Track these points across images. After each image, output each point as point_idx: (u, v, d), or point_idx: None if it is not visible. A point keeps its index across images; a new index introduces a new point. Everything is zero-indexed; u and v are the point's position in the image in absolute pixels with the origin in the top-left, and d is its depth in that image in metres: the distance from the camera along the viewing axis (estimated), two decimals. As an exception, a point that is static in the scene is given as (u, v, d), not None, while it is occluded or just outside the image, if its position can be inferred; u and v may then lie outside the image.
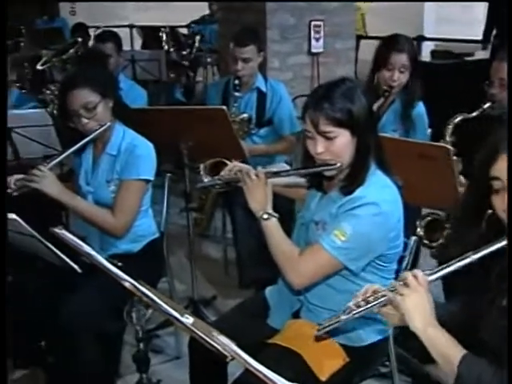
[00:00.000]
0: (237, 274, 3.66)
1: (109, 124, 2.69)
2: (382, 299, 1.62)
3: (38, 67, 5.00)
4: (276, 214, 2.15)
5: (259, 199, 2.15)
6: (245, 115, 3.76)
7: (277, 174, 2.27)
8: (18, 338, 2.67)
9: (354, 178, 2.08)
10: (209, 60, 8.25)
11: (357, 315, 1.67)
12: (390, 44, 3.23)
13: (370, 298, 1.65)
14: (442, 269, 1.59)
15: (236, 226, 3.65)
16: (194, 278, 3.49)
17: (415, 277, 1.58)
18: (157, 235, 2.94)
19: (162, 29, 7.68)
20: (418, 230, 2.74)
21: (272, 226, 2.13)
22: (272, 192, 2.19)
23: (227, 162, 3.51)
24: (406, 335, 2.59)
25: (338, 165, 2.05)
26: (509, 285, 1.54)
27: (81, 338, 2.45)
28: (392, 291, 1.60)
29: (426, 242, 2.76)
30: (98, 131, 2.66)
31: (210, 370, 2.28)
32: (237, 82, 3.72)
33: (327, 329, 1.75)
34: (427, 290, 1.57)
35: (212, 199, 4.16)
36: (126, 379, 2.94)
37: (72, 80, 2.75)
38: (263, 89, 3.84)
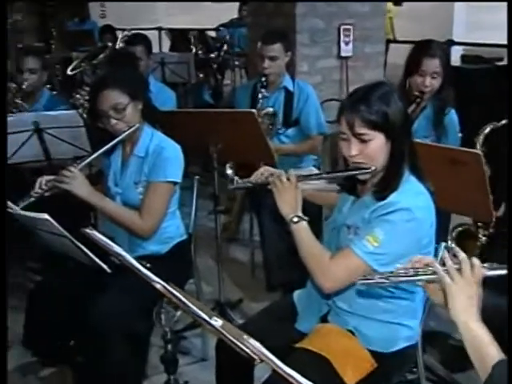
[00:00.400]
0: (263, 277, 3.67)
1: (137, 125, 2.71)
2: (431, 276, 1.59)
3: (69, 72, 5.05)
4: (306, 218, 2.14)
5: (289, 202, 2.15)
6: (270, 109, 3.78)
7: (308, 177, 2.26)
8: (46, 337, 2.70)
9: (387, 182, 2.07)
10: (237, 63, 8.28)
11: (403, 279, 1.64)
12: (422, 49, 3.21)
13: (420, 270, 1.62)
14: (501, 268, 1.54)
15: (263, 229, 3.66)
16: (221, 280, 3.50)
17: (472, 266, 1.54)
18: (185, 237, 2.95)
19: (191, 32, 7.72)
20: (449, 242, 2.72)
21: (302, 230, 2.13)
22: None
23: (254, 163, 3.57)
24: (434, 343, 2.58)
25: (372, 168, 2.05)
26: (509, 284, 1.54)
27: (110, 338, 2.46)
28: (444, 271, 1.56)
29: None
30: (126, 132, 2.68)
31: (237, 372, 2.28)
32: (264, 79, 3.75)
33: (368, 281, 1.71)
34: (479, 284, 1.53)
35: (240, 202, 4.17)
36: (153, 380, 2.96)
37: (102, 81, 2.79)
38: (290, 88, 3.86)
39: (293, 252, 3.37)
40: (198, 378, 2.97)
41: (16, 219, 2.40)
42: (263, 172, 2.27)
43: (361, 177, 2.11)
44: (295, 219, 2.13)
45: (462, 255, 1.57)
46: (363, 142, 2.03)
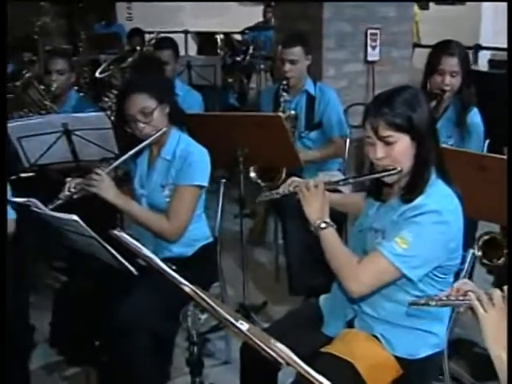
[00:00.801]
0: (287, 281, 3.67)
1: (165, 129, 2.72)
2: (468, 302, 1.63)
3: (97, 75, 5.09)
4: (333, 223, 2.14)
5: (317, 209, 2.15)
6: (292, 112, 3.78)
7: (335, 183, 2.27)
8: (72, 337, 2.73)
9: (414, 186, 2.07)
10: (262, 66, 8.28)
11: (445, 303, 1.72)
12: (441, 48, 3.23)
13: (460, 297, 1.67)
14: None
15: (286, 234, 3.66)
16: (246, 283, 3.51)
17: (504, 298, 1.57)
18: (210, 240, 2.95)
19: (217, 35, 7.74)
20: (476, 251, 2.70)
21: (330, 235, 2.13)
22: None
23: (278, 167, 3.58)
24: (460, 351, 2.56)
25: (398, 169, 2.05)
26: (509, 284, 1.54)
27: (134, 339, 2.47)
28: (479, 301, 1.60)
29: (485, 261, 2.72)
30: (154, 136, 2.70)
31: (261, 376, 2.29)
32: (285, 82, 3.76)
33: (417, 307, 1.81)
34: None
35: (265, 206, 4.18)
36: (176, 382, 2.98)
37: (129, 85, 2.81)
38: (312, 92, 3.86)
39: (316, 257, 3.38)
40: (222, 380, 2.98)
41: (44, 219, 2.42)
42: (290, 183, 2.29)
43: (387, 179, 2.11)
44: (323, 225, 2.13)
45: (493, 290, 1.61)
46: (388, 144, 2.04)
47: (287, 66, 3.75)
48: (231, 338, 3.20)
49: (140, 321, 2.46)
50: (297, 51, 3.76)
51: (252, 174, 3.51)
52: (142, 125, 2.68)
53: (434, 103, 3.12)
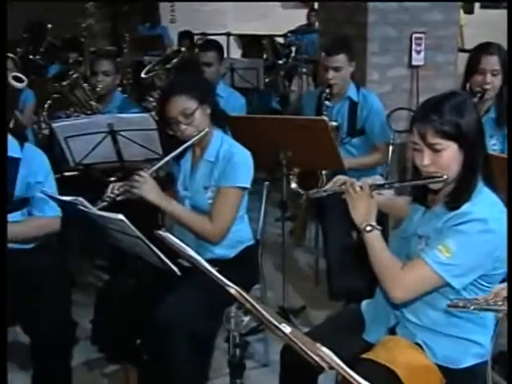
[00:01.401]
0: (327, 285, 3.65)
1: (207, 130, 2.73)
2: (503, 308, 1.64)
3: (142, 75, 5.15)
4: (379, 227, 2.13)
5: (362, 211, 2.14)
6: (333, 123, 3.75)
7: (381, 186, 2.25)
8: (114, 336, 2.75)
9: (460, 193, 2.04)
10: (304, 70, 8.27)
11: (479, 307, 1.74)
12: (481, 49, 3.23)
13: (499, 302, 1.68)
14: None
15: (327, 238, 3.65)
16: (285, 287, 3.50)
17: None
18: (252, 242, 2.96)
19: (263, 39, 7.76)
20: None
21: (375, 239, 2.11)
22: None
23: (319, 171, 3.57)
24: (504, 361, 2.52)
25: (445, 177, 2.02)
26: (509, 283, 1.48)
27: (175, 338, 2.48)
28: None
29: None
30: (196, 137, 2.71)
31: (301, 379, 2.28)
32: (328, 91, 3.74)
33: (456, 309, 1.82)
34: None
35: (304, 208, 4.16)
36: (214, 383, 2.98)
37: (170, 88, 2.84)
38: (355, 98, 3.84)
39: (356, 261, 3.36)
40: (261, 382, 2.99)
41: (89, 218, 2.45)
42: (336, 181, 2.27)
43: (433, 186, 2.09)
44: (368, 228, 2.11)
45: None
46: (436, 151, 2.02)
47: (331, 74, 3.73)
48: (270, 341, 3.20)
49: (181, 321, 2.47)
50: (340, 58, 3.74)
51: (293, 185, 3.50)
52: (183, 126, 2.70)
53: (475, 99, 3.09)
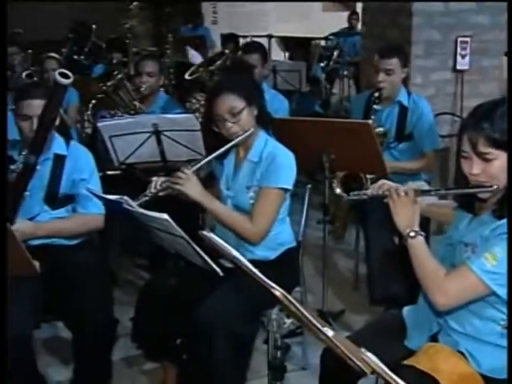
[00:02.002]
0: (366, 290, 3.63)
1: (252, 130, 2.73)
2: None
3: (186, 77, 5.19)
4: (423, 233, 2.10)
5: (406, 217, 2.11)
6: (380, 129, 3.72)
7: (426, 192, 2.22)
8: (154, 334, 2.77)
9: (508, 201, 2.00)
10: (345, 73, 8.24)
11: None
12: None
13: None
14: None
15: (369, 243, 3.62)
16: (325, 290, 3.49)
17: None
18: (294, 244, 2.95)
19: (312, 42, 7.76)
20: None
21: (418, 245, 2.09)
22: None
23: (362, 176, 3.54)
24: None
25: (494, 187, 1.99)
26: (509, 282, 1.45)
27: (215, 338, 2.48)
28: None
29: None
30: (241, 136, 2.72)
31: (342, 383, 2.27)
32: (377, 94, 3.71)
33: None
34: None
35: (345, 209, 4.13)
36: (252, 384, 2.99)
37: (220, 86, 2.85)
38: (405, 103, 3.79)
39: (397, 266, 3.32)
40: (299, 386, 2.98)
41: (132, 216, 2.47)
42: (381, 185, 2.24)
43: (481, 195, 2.06)
44: (412, 234, 2.09)
45: None
46: (486, 160, 1.98)
47: (381, 76, 3.70)
48: (309, 344, 3.19)
49: (221, 322, 2.47)
50: (393, 62, 3.70)
51: (338, 191, 3.49)
52: (229, 124, 2.71)
53: None
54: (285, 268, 2.81)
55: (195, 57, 6.66)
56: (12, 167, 2.74)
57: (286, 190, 2.77)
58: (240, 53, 4.96)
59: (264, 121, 2.86)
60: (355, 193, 2.36)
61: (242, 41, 6.90)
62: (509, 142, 1.64)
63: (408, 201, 2.12)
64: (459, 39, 4.97)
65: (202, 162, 2.77)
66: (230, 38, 7.23)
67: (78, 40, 7.85)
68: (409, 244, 2.10)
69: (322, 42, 8.73)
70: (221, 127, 2.74)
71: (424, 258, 2.08)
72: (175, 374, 2.87)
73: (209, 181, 3.09)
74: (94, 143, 3.91)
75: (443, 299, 2.03)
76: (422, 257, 2.08)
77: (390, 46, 3.95)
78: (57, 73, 2.53)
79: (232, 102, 2.70)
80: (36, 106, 2.73)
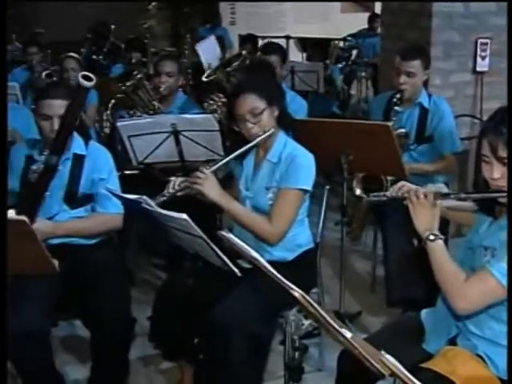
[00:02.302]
0: (383, 292, 3.62)
1: (272, 130, 2.73)
2: None
3: (203, 79, 5.20)
4: (442, 236, 2.09)
5: (426, 219, 2.10)
6: (402, 130, 3.70)
7: (446, 195, 2.20)
8: (172, 334, 2.78)
9: None
10: (363, 74, 8.22)
11: None
12: None
13: None
14: None
15: (387, 245, 3.60)
16: (342, 291, 3.48)
17: None
18: (312, 246, 2.94)
19: (327, 43, 7.75)
20: None
21: (438, 248, 2.07)
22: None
23: (383, 177, 3.53)
24: None
25: None
26: (509, 281, 1.48)
27: (231, 340, 2.48)
28: None
29: None
30: (261, 137, 2.72)
31: (359, 386, 2.26)
32: (398, 96, 3.69)
33: None
34: None
35: (363, 211, 4.13)
36: (269, 385, 2.98)
37: (241, 86, 2.86)
38: (426, 105, 3.77)
39: (415, 269, 3.30)
40: (316, 387, 2.97)
41: (151, 216, 2.48)
42: (400, 187, 2.23)
43: (502, 199, 2.04)
44: (431, 237, 2.07)
45: None
46: (506, 165, 1.97)
47: (403, 78, 3.67)
48: (325, 346, 3.18)
49: (239, 322, 2.47)
50: (415, 64, 3.67)
51: (357, 191, 3.48)
52: (250, 125, 2.71)
53: None
54: (302, 269, 2.81)
55: (206, 53, 6.60)
56: (33, 167, 2.77)
57: (305, 191, 2.76)
58: (258, 54, 4.96)
59: (284, 122, 2.86)
60: (374, 194, 2.35)
61: (260, 42, 6.88)
62: (509, 141, 1.62)
63: (428, 203, 2.11)
64: (479, 41, 4.94)
65: (221, 163, 2.77)
66: (248, 39, 7.22)
67: (97, 40, 7.90)
68: (428, 247, 2.09)
69: (340, 43, 8.72)
70: (241, 127, 2.75)
71: (444, 262, 2.07)
72: (192, 373, 2.87)
73: (227, 181, 3.09)
74: (112, 143, 3.93)
75: (463, 304, 2.03)
76: (441, 260, 2.07)
77: (411, 47, 3.91)
78: (80, 75, 2.54)
79: (253, 102, 2.70)
80: (56, 106, 2.74)
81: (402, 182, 2.25)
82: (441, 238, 2.09)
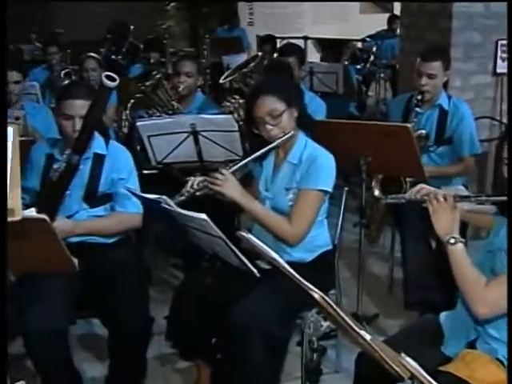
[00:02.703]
0: (401, 294, 3.60)
1: (292, 132, 2.73)
2: None
3: (221, 81, 5.21)
4: (463, 239, 2.08)
5: (446, 222, 2.09)
6: (422, 131, 3.69)
7: (466, 198, 2.19)
8: (189, 334, 2.78)
9: None
10: (382, 75, 8.18)
11: None
12: None
13: None
14: None
15: (405, 247, 3.58)
16: (360, 293, 3.47)
17: None
18: (330, 247, 2.94)
19: (342, 44, 7.72)
20: None
21: (458, 252, 2.07)
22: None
23: (403, 179, 3.52)
24: None
25: None
26: (509, 281, 1.47)
27: (248, 340, 2.48)
28: None
29: None
30: (281, 139, 2.71)
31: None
32: (419, 97, 3.67)
33: None
34: None
35: (381, 213, 4.12)
36: (285, 386, 2.98)
37: (260, 87, 2.85)
38: (445, 107, 3.75)
39: (434, 272, 3.28)
40: (333, 389, 2.96)
41: (170, 216, 2.49)
42: (419, 190, 2.22)
43: None
44: (452, 240, 2.07)
45: None
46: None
47: (424, 80, 3.65)
48: (342, 348, 3.17)
49: (256, 323, 2.47)
50: (436, 66, 3.66)
51: (376, 193, 3.47)
52: (269, 127, 2.71)
53: None
54: (320, 270, 2.79)
55: (230, 60, 6.62)
56: (55, 166, 2.79)
57: (325, 192, 2.75)
58: (276, 55, 4.95)
59: (304, 123, 2.85)
60: (393, 196, 2.35)
61: (278, 42, 6.86)
62: (509, 141, 1.60)
63: (447, 206, 2.10)
64: (500, 42, 4.89)
65: (241, 163, 2.77)
66: (267, 40, 7.21)
67: (116, 40, 7.94)
68: (449, 251, 2.08)
69: (359, 44, 8.69)
70: (261, 130, 2.74)
71: (464, 266, 2.06)
72: (209, 373, 2.88)
73: (246, 180, 3.09)
74: (131, 142, 3.94)
75: (484, 309, 2.02)
76: (462, 264, 2.06)
77: (432, 48, 3.89)
78: (103, 76, 2.56)
79: (272, 104, 2.70)
80: (78, 106, 2.76)
81: (421, 185, 2.24)
82: (461, 242, 2.08)
